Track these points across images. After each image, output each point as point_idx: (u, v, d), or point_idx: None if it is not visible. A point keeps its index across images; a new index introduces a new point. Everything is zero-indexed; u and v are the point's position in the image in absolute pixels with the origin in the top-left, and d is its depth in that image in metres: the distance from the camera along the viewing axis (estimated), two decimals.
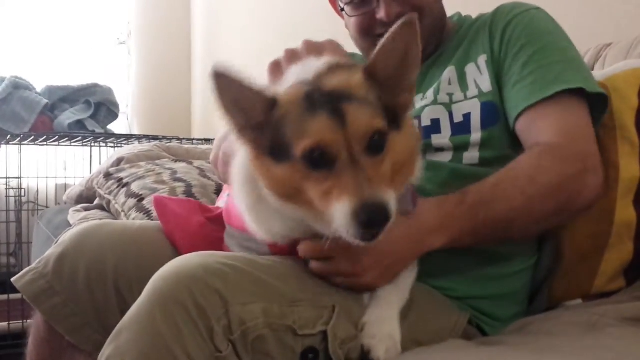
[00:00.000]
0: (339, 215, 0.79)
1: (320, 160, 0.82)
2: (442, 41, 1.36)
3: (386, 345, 0.92)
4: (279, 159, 0.86)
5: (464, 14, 1.43)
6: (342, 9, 1.35)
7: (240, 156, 0.96)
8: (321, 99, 0.83)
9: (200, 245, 1.10)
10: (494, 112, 1.20)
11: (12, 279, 1.18)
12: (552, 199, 1.05)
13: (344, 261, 0.95)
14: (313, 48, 1.05)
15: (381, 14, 1.26)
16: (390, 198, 0.80)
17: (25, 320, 2.95)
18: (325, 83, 0.86)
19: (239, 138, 0.89)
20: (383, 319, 0.95)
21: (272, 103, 0.86)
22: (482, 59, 1.25)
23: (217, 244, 1.17)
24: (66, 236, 1.21)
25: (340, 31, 1.43)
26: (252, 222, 0.98)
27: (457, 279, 1.16)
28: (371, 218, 0.78)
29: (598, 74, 1.37)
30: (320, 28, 1.45)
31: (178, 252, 1.17)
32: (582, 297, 1.22)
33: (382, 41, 0.86)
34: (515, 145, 1.19)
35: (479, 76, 1.24)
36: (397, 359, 0.92)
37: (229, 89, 0.84)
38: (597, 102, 1.17)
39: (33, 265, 1.18)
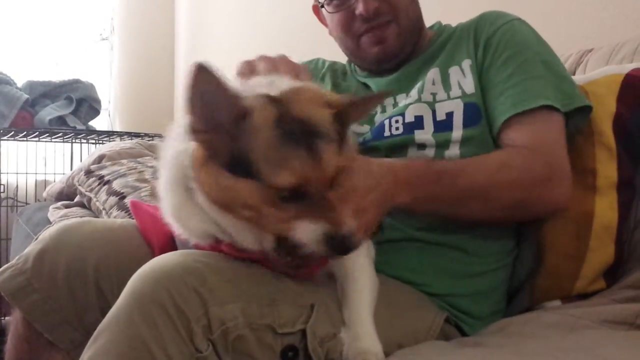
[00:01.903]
0: (306, 237, 0.83)
1: (294, 195, 0.84)
2: (420, 44, 1.40)
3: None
4: (237, 172, 0.85)
5: (444, 22, 1.47)
6: (322, 6, 1.40)
7: (172, 152, 0.96)
8: (294, 129, 0.84)
9: (173, 244, 1.11)
10: (477, 112, 1.24)
11: None
12: (512, 193, 1.12)
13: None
14: (268, 63, 1.06)
15: (360, 9, 1.32)
16: (354, 227, 0.84)
17: (3, 318, 2.92)
18: (295, 109, 0.86)
19: (192, 137, 0.87)
20: (359, 337, 0.95)
21: (243, 113, 0.84)
22: (467, 64, 1.29)
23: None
24: (46, 233, 1.20)
25: (321, 29, 1.45)
26: (175, 221, 0.99)
27: (433, 274, 1.18)
28: (339, 246, 0.83)
29: (579, 78, 1.39)
30: (305, 22, 1.46)
31: (152, 251, 1.17)
32: (563, 298, 1.23)
33: (361, 99, 0.95)
34: (495, 145, 1.24)
35: (463, 78, 1.28)
36: None
37: (206, 84, 0.83)
38: (578, 111, 1.22)
39: (12, 261, 1.16)
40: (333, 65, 1.55)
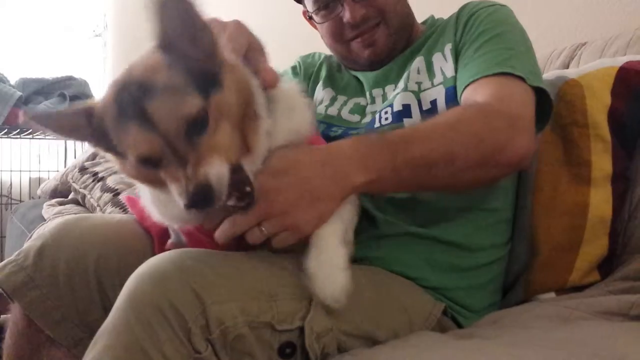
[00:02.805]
0: (177, 199, 0.83)
1: (149, 162, 0.84)
2: (412, 39, 1.42)
3: (328, 273, 0.92)
4: (121, 157, 0.88)
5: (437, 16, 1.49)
6: (310, 17, 1.42)
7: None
8: (127, 100, 0.82)
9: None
10: (454, 94, 1.25)
11: None
12: (473, 147, 1.03)
13: (262, 203, 0.90)
14: (217, 26, 1.03)
15: (347, 16, 1.33)
16: (217, 173, 0.81)
17: None
18: (132, 75, 0.85)
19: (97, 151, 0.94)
20: (319, 252, 0.94)
21: (88, 113, 0.87)
22: (447, 48, 1.31)
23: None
24: (45, 229, 1.19)
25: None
26: (158, 215, 1.01)
27: (428, 269, 1.18)
28: (195, 199, 0.80)
29: (573, 71, 1.39)
30: (299, 19, 1.46)
31: (152, 242, 1.17)
32: (557, 291, 1.23)
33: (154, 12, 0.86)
34: None
35: (445, 63, 1.30)
36: (345, 285, 0.91)
37: (50, 127, 0.89)
38: (543, 104, 1.17)
39: (12, 257, 1.15)
40: (330, 58, 1.57)
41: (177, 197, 0.82)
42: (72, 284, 1.11)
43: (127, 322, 0.82)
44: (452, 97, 1.24)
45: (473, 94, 1.16)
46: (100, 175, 2.53)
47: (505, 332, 0.99)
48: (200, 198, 0.80)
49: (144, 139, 0.81)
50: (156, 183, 0.88)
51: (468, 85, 1.18)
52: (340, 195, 0.96)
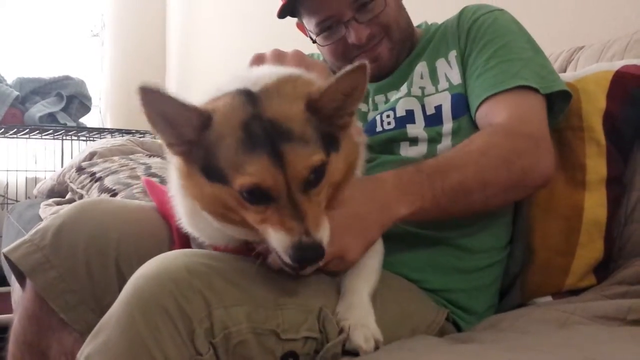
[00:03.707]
0: (275, 245, 0.82)
1: (258, 197, 0.82)
2: (413, 46, 1.41)
3: (363, 333, 0.92)
4: (211, 179, 0.85)
5: (430, 22, 1.49)
6: (314, 41, 1.39)
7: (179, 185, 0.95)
8: (260, 132, 0.82)
9: None
10: (463, 103, 1.26)
11: (4, 251, 1.13)
12: (504, 171, 1.08)
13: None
14: (277, 57, 1.06)
15: (352, 38, 1.31)
16: (324, 234, 0.82)
17: None
18: (265, 108, 0.84)
19: (170, 151, 0.88)
20: (353, 306, 0.96)
21: (206, 122, 0.84)
22: (452, 55, 1.31)
23: None
24: (63, 210, 1.17)
25: None
26: (192, 229, 1.00)
27: (429, 271, 1.19)
28: (304, 257, 0.81)
29: (569, 75, 1.40)
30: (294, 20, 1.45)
31: (170, 229, 1.16)
32: (554, 294, 1.24)
33: (331, 82, 0.86)
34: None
35: (449, 70, 1.30)
36: (377, 344, 0.92)
37: (157, 104, 0.83)
38: (557, 99, 1.22)
39: (27, 237, 1.13)
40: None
41: (278, 244, 0.81)
42: (90, 266, 1.09)
43: (131, 318, 0.82)
44: (457, 104, 1.25)
45: (492, 112, 1.18)
46: (97, 175, 2.52)
47: (503, 337, 1.00)
48: (308, 256, 0.81)
49: (270, 173, 0.81)
50: (228, 217, 0.88)
51: (484, 101, 1.19)
52: (386, 225, 1.00)
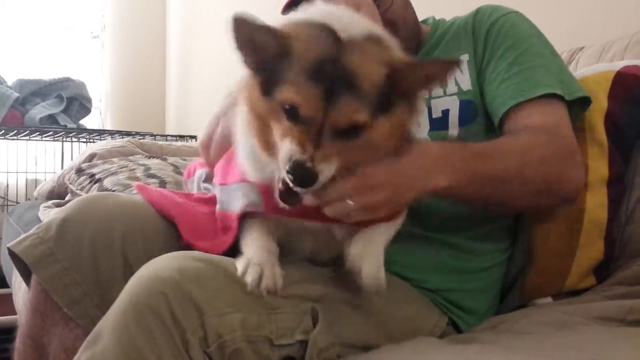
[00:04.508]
0: (282, 155, 0.84)
1: (294, 115, 0.84)
2: (420, 44, 1.37)
3: (375, 264, 0.93)
4: (266, 93, 0.87)
5: (437, 17, 1.45)
6: None
7: (242, 113, 0.97)
8: (329, 72, 0.83)
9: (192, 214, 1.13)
10: (472, 110, 1.23)
11: (9, 245, 1.12)
12: (543, 172, 1.08)
13: (360, 178, 0.90)
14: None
15: None
16: (325, 171, 0.83)
17: None
18: (347, 58, 0.85)
19: (244, 67, 0.91)
20: (369, 242, 0.96)
21: (286, 50, 0.86)
22: (465, 59, 1.27)
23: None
24: (68, 204, 1.16)
25: None
26: (249, 167, 0.99)
27: (430, 271, 1.18)
28: (298, 174, 0.82)
29: None
30: None
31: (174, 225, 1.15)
32: (554, 295, 1.24)
33: (419, 62, 0.90)
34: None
35: (460, 75, 1.27)
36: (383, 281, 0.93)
37: (246, 28, 0.87)
38: (574, 104, 1.20)
39: (31, 231, 1.12)
40: None
41: (284, 154, 0.84)
42: (96, 259, 1.08)
43: (127, 326, 0.82)
44: (465, 111, 1.23)
45: (525, 118, 1.16)
46: (97, 177, 2.52)
47: (503, 338, 0.99)
48: (304, 179, 0.83)
49: (314, 104, 0.83)
50: (261, 130, 0.90)
51: (512, 108, 1.17)
52: (421, 192, 0.98)
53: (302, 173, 0.82)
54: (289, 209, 0.91)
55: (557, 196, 1.14)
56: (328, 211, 0.90)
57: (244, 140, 0.98)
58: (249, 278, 0.90)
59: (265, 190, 0.97)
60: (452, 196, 1.05)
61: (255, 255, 0.94)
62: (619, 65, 1.34)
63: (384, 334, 1.00)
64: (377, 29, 0.95)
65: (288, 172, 0.82)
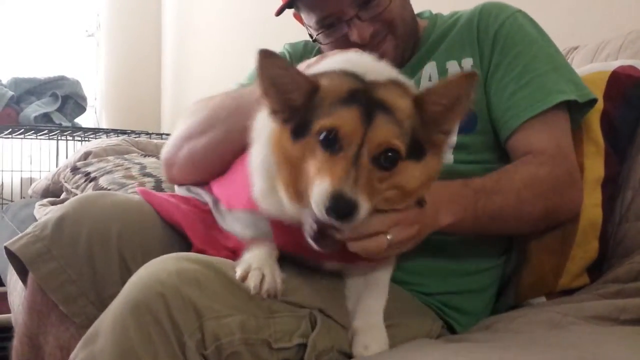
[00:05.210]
0: (316, 193, 0.80)
1: (330, 142, 0.81)
2: (417, 39, 1.34)
3: (382, 341, 0.96)
4: (297, 137, 0.85)
5: (434, 11, 1.43)
6: (314, 40, 1.33)
7: (261, 142, 0.95)
8: (362, 98, 0.82)
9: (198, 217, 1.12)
10: (473, 119, 1.22)
11: (6, 244, 1.12)
12: (541, 207, 1.12)
13: (396, 213, 0.89)
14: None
15: (354, 36, 1.24)
16: (363, 206, 0.79)
17: None
18: (375, 89, 0.84)
19: (272, 117, 0.88)
20: (374, 327, 0.98)
21: (314, 88, 0.85)
22: (468, 63, 1.25)
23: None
24: (65, 203, 1.15)
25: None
26: (263, 200, 0.97)
27: (427, 275, 1.18)
28: (337, 207, 0.78)
29: None
30: (291, 17, 1.42)
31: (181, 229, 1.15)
32: (548, 294, 1.24)
33: (441, 83, 0.87)
34: (490, 150, 1.23)
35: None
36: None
37: (272, 69, 0.84)
38: (582, 105, 1.21)
39: (28, 229, 1.12)
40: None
41: (319, 190, 0.79)
42: (92, 257, 1.08)
43: (125, 327, 0.82)
44: (467, 120, 1.21)
45: (530, 137, 1.16)
46: (92, 175, 2.52)
47: (497, 337, 1.00)
48: (343, 211, 0.78)
49: (353, 122, 0.80)
50: (292, 179, 0.86)
51: (523, 123, 1.16)
52: (433, 229, 1.00)
53: (342, 204, 0.77)
54: (307, 247, 0.88)
55: (556, 221, 1.19)
56: (355, 247, 0.87)
57: (260, 180, 0.96)
58: (251, 283, 0.90)
59: (276, 224, 0.97)
60: (453, 232, 1.07)
61: (255, 259, 0.94)
62: (613, 65, 1.34)
63: None
64: (398, 74, 0.95)
65: (327, 206, 0.78)
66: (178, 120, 1.32)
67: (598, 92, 1.28)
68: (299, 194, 0.85)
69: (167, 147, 1.29)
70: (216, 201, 1.16)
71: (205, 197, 1.20)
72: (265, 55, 0.83)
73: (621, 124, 1.28)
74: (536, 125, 1.16)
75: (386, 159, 0.82)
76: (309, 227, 0.85)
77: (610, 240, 1.25)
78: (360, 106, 0.81)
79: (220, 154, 1.18)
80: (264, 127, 0.93)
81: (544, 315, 1.08)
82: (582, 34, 1.71)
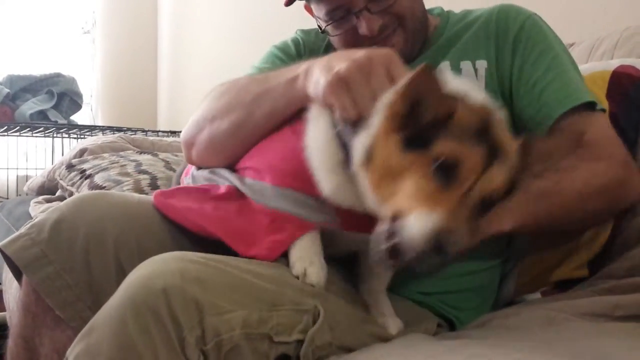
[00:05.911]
0: (412, 222, 0.78)
1: (445, 170, 0.80)
2: (428, 35, 1.33)
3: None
4: (409, 148, 0.83)
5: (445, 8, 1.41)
6: (323, 31, 1.31)
7: (323, 121, 0.97)
8: (487, 138, 0.82)
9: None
10: None
11: (0, 245, 1.09)
12: (603, 199, 1.11)
13: None
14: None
15: (363, 29, 1.22)
16: (457, 246, 0.78)
17: None
18: (493, 130, 0.84)
19: (387, 112, 0.86)
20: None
21: (450, 114, 0.83)
22: (482, 65, 1.24)
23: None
24: (61, 204, 1.13)
25: (307, 20, 1.41)
26: (326, 183, 0.97)
27: (426, 276, 1.18)
28: (439, 245, 0.76)
29: None
30: (289, 13, 1.41)
31: (173, 225, 1.13)
32: (543, 290, 1.24)
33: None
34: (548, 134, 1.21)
35: (475, 81, 1.23)
36: None
37: (427, 84, 0.82)
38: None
39: (23, 230, 1.09)
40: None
41: (417, 220, 0.77)
42: (88, 261, 1.06)
43: (124, 322, 0.82)
44: None
45: (578, 125, 1.15)
46: (88, 172, 2.51)
47: (492, 333, 1.00)
48: (444, 249, 0.76)
49: (479, 156, 0.81)
50: (384, 184, 0.85)
51: (564, 113, 1.15)
52: (489, 235, 1.00)
53: (442, 244, 0.75)
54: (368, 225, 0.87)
55: (618, 210, 1.20)
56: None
57: (330, 175, 0.96)
58: (313, 279, 0.96)
59: (341, 210, 0.98)
60: (512, 233, 1.08)
61: (306, 252, 0.99)
62: (613, 64, 1.34)
63: (380, 338, 1.01)
64: (493, 104, 0.94)
65: (432, 240, 0.75)
66: (201, 101, 1.28)
67: (601, 92, 1.29)
68: (385, 197, 0.85)
69: (187, 128, 1.27)
70: (242, 178, 1.13)
71: (231, 177, 1.15)
72: (428, 71, 0.81)
73: (627, 124, 1.28)
74: (577, 117, 1.15)
75: (491, 203, 0.83)
76: (379, 245, 0.82)
77: (617, 237, 1.26)
78: (487, 146, 0.81)
79: (242, 138, 1.16)
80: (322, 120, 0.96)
81: (538, 312, 1.09)
82: (578, 31, 1.71)
